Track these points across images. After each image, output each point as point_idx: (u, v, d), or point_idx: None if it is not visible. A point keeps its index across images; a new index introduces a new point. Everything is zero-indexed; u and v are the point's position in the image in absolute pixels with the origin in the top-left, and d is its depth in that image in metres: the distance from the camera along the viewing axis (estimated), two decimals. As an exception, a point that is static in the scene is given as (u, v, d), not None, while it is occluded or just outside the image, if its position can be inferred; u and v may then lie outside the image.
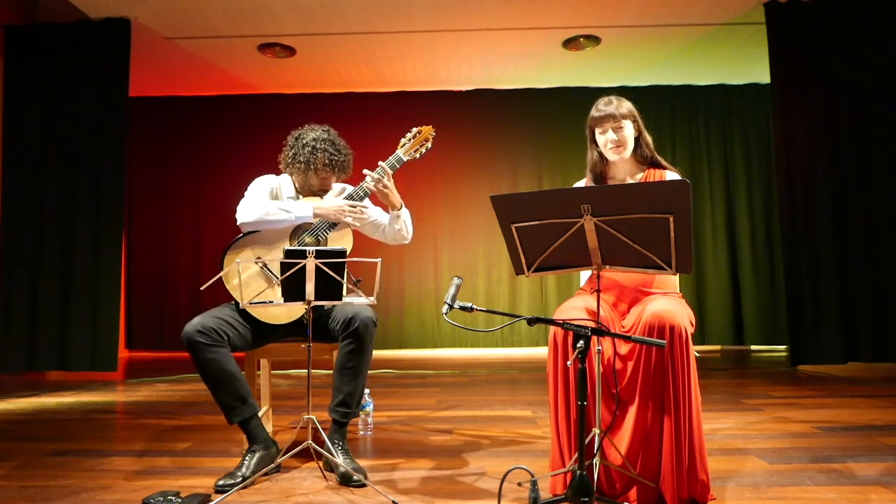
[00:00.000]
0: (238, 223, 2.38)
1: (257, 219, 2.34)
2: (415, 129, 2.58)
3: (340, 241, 2.44)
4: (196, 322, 2.20)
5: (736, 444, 2.57)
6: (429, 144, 2.58)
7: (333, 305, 2.38)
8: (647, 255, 1.74)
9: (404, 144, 2.56)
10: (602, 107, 2.14)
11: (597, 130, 2.16)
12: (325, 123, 2.62)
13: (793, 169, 4.62)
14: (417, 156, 2.58)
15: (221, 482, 2.07)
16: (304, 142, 2.49)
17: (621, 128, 2.12)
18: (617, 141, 2.12)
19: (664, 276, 2.04)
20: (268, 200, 2.41)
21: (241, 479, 2.09)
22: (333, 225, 2.44)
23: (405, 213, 2.60)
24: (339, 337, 2.31)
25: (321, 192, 2.54)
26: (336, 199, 2.48)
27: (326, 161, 2.46)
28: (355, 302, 2.32)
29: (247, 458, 2.19)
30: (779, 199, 4.71)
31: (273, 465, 2.18)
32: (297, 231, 2.44)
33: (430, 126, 2.59)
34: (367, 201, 2.53)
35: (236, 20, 4.92)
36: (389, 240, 2.65)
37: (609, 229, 1.72)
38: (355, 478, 2.08)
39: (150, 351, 6.61)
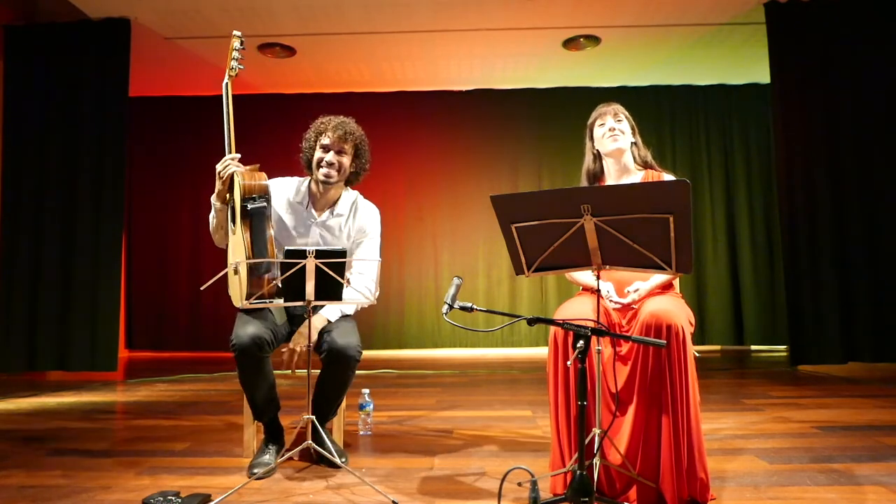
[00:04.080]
0: (218, 245, 2.46)
1: (212, 231, 2.42)
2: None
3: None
4: (251, 332, 2.17)
5: (736, 444, 2.57)
6: (235, 54, 2.41)
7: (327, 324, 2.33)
8: (648, 255, 1.74)
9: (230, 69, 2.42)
10: (602, 107, 2.26)
11: (597, 123, 2.24)
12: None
13: (793, 169, 4.62)
14: (235, 64, 2.43)
15: (256, 470, 2.17)
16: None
17: (620, 120, 2.21)
18: (615, 129, 2.18)
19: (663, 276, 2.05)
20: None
21: (271, 465, 2.20)
22: (246, 213, 2.26)
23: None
24: (322, 358, 2.28)
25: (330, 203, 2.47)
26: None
27: (332, 124, 2.40)
28: (356, 302, 2.32)
29: (270, 448, 2.31)
30: (779, 199, 4.71)
31: (272, 466, 2.21)
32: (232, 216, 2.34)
33: (236, 33, 2.42)
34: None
35: (236, 20, 4.92)
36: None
37: (609, 229, 1.72)
38: (339, 460, 2.18)
39: (150, 351, 6.61)
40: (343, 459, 2.28)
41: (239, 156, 2.31)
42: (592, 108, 2.30)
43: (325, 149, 2.37)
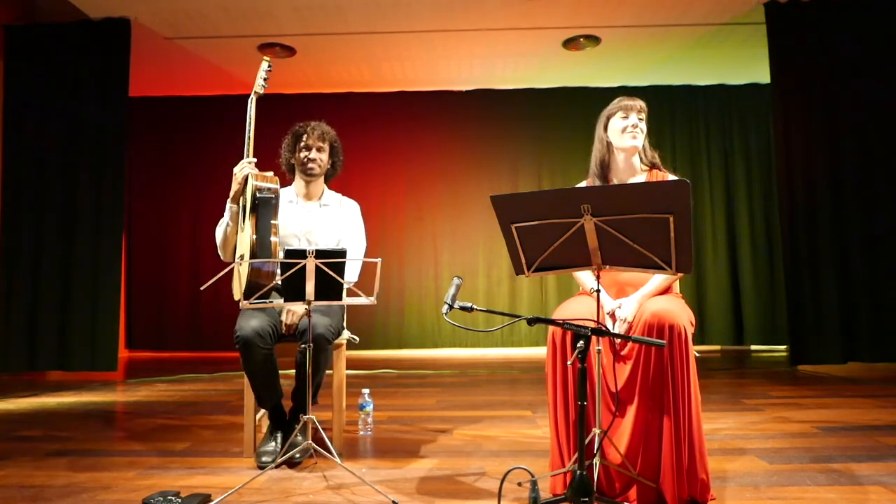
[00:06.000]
0: (225, 260, 2.56)
1: (219, 243, 2.54)
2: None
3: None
4: (254, 325, 2.30)
5: (736, 444, 2.57)
6: (263, 74, 2.57)
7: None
8: (648, 255, 1.74)
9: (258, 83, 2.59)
10: (626, 100, 2.20)
11: (618, 115, 2.18)
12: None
13: (793, 169, 4.62)
14: (261, 83, 2.60)
15: (265, 458, 2.25)
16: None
17: (642, 119, 2.19)
18: (637, 127, 2.16)
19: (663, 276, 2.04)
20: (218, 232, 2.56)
21: (278, 452, 2.29)
22: (255, 205, 2.40)
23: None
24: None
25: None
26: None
27: (309, 127, 2.67)
28: (354, 302, 2.32)
29: (275, 435, 2.41)
30: (779, 199, 4.70)
31: (273, 465, 2.23)
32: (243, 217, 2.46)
33: (266, 58, 2.62)
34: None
35: (236, 20, 4.92)
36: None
37: (609, 229, 1.72)
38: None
39: (150, 351, 6.60)
40: (342, 459, 2.28)
41: (255, 160, 2.49)
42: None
43: (308, 148, 2.65)
